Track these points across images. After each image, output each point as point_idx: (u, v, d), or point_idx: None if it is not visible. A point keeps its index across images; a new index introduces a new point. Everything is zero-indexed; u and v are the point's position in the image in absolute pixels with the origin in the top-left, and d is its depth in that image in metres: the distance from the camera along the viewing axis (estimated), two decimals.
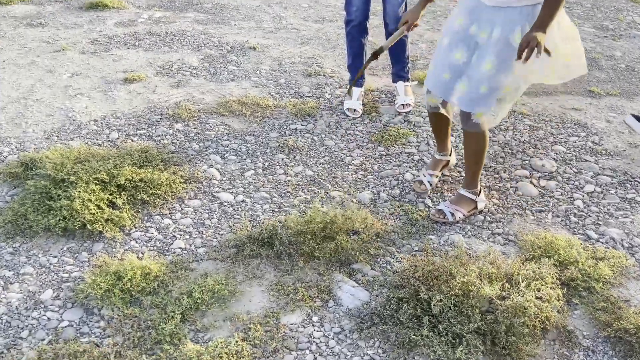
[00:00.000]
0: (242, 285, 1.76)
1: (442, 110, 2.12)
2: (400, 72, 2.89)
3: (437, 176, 2.28)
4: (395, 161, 2.44)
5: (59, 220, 1.88)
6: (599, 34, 4.01)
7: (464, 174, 2.19)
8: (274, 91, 3.00)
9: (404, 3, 2.68)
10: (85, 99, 2.80)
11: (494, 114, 1.95)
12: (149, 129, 2.57)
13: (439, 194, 2.24)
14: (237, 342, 1.54)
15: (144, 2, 4.19)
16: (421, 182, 2.25)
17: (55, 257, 1.84)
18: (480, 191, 2.13)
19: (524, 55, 1.69)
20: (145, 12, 4.00)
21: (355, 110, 2.81)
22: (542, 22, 1.73)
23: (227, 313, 1.66)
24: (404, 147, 2.55)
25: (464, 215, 2.07)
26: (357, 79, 2.65)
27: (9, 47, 3.32)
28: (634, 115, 2.75)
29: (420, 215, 2.10)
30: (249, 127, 2.65)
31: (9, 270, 1.78)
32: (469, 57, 1.90)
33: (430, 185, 2.25)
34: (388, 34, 2.77)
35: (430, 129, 2.40)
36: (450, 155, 2.33)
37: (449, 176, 2.34)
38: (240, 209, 2.10)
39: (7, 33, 3.51)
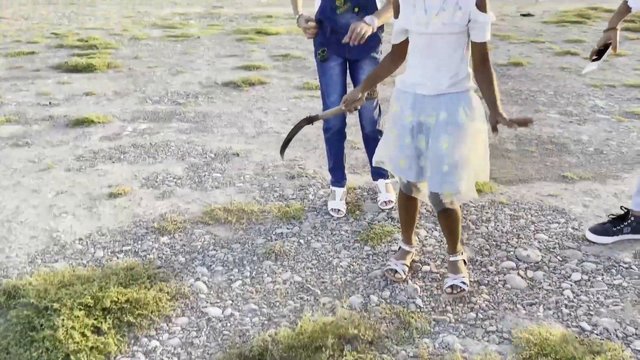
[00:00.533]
0: None
1: (414, 191, 2.23)
2: (379, 170, 2.98)
3: (407, 265, 2.33)
4: (383, 260, 2.45)
5: (42, 352, 1.82)
6: (564, 119, 4.22)
7: (446, 245, 2.29)
8: (259, 195, 3.05)
9: (378, 106, 2.82)
10: (70, 217, 2.81)
11: (461, 191, 2.02)
12: (135, 244, 2.57)
13: (428, 292, 2.24)
14: None
15: (129, 115, 4.34)
16: (395, 271, 2.30)
17: None
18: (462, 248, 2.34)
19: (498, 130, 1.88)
20: (130, 125, 4.13)
21: (339, 210, 2.85)
22: (495, 103, 1.91)
23: None
24: (390, 245, 2.57)
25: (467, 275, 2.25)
26: (286, 144, 2.58)
27: None
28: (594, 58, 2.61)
29: (412, 317, 2.08)
30: (234, 235, 2.66)
31: None
32: (426, 141, 2.02)
33: (404, 272, 2.31)
34: (365, 137, 2.89)
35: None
36: (414, 248, 2.43)
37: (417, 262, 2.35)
38: (229, 324, 2.06)
39: None
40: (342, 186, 2.96)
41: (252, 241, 2.61)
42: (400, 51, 2.09)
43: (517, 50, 6.63)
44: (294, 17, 2.81)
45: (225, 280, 2.33)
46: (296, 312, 2.12)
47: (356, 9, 2.49)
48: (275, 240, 2.62)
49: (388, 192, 2.96)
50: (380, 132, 2.77)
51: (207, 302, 2.19)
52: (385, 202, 2.92)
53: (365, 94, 2.26)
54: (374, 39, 2.57)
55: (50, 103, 4.58)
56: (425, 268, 2.40)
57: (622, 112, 4.35)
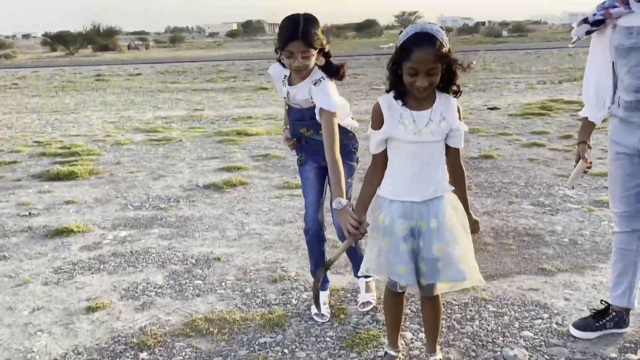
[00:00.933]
0: None
1: (398, 288, 2.24)
2: (357, 274, 2.98)
3: None
4: None
5: None
6: (537, 210, 4.36)
7: (426, 345, 2.32)
8: (241, 302, 3.01)
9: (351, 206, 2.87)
10: (46, 335, 2.71)
11: (464, 279, 2.13)
12: None
13: None
14: None
15: (110, 223, 4.34)
16: None
17: None
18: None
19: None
20: (110, 233, 4.12)
21: (323, 315, 2.82)
22: (467, 204, 2.15)
23: None
24: (377, 350, 2.52)
25: None
26: (317, 289, 2.49)
27: None
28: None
29: None
30: (216, 347, 2.59)
31: None
32: (417, 244, 2.08)
33: None
34: (340, 237, 2.91)
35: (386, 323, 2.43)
36: (400, 352, 2.40)
37: None
38: None
39: None
40: (325, 289, 2.95)
41: (234, 353, 2.54)
42: (382, 159, 2.13)
43: (487, 143, 6.94)
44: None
45: None
46: None
47: (320, 132, 2.51)
48: (259, 351, 2.55)
49: (367, 292, 2.95)
50: None
51: None
52: (363, 303, 2.90)
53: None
54: (346, 148, 2.67)
55: (29, 214, 4.57)
56: None
57: (592, 201, 4.51)
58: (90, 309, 2.94)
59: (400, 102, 2.03)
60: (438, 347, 2.34)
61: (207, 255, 3.66)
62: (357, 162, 2.81)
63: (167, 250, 3.75)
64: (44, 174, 5.78)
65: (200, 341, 2.65)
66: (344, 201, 2.25)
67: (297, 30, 2.33)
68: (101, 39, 42.94)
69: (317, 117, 2.49)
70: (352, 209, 2.74)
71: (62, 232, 4.07)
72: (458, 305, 2.92)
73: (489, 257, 3.53)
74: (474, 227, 2.19)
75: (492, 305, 2.89)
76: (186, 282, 3.27)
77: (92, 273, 3.42)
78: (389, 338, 2.38)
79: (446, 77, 1.99)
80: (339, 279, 3.27)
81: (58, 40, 42.21)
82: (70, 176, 5.64)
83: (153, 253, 3.71)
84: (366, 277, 2.98)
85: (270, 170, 5.88)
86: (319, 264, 2.91)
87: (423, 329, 2.49)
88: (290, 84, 2.60)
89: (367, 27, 66.64)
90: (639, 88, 2.27)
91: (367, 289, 2.96)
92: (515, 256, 3.54)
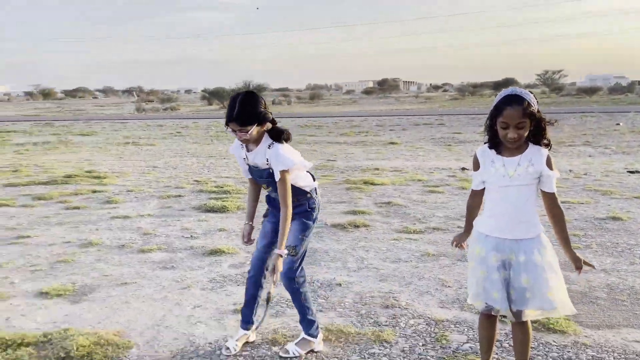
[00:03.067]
0: None
1: (493, 312, 2.54)
2: (306, 331, 3.07)
3: None
4: None
5: None
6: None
7: None
8: (356, 320, 3.51)
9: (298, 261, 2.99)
10: (203, 325, 3.45)
11: (554, 307, 2.44)
12: (252, 351, 3.10)
13: None
14: None
15: (253, 247, 5.13)
16: None
17: None
18: None
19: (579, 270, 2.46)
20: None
21: (228, 348, 3.02)
22: (568, 242, 2.45)
23: None
24: None
25: None
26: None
27: (148, 285, 4.20)
28: None
29: None
30: (333, 351, 3.11)
31: None
32: (508, 274, 2.43)
33: None
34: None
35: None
36: None
37: None
38: None
39: (146, 274, 4.46)
40: (246, 329, 3.11)
41: (347, 357, 3.04)
42: (480, 195, 2.60)
43: (619, 205, 6.74)
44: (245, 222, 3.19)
45: None
46: None
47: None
48: (368, 358, 3.02)
49: (298, 345, 3.03)
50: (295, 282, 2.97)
51: None
52: (286, 349, 3.02)
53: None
54: (303, 207, 2.94)
55: (191, 236, 5.58)
56: None
57: None
58: (236, 311, 3.64)
59: (494, 151, 2.47)
60: None
61: (330, 280, 4.24)
62: (313, 222, 2.99)
63: None
64: (202, 207, 6.90)
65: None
66: (283, 252, 2.77)
67: (232, 113, 2.68)
68: None
69: (276, 177, 2.78)
70: (295, 259, 2.94)
71: (216, 252, 4.94)
72: (557, 346, 3.11)
73: (598, 310, 3.63)
74: (577, 264, 2.46)
75: (591, 350, 3.04)
76: (312, 299, 3.86)
77: (238, 285, 4.16)
78: (482, 358, 2.70)
79: (536, 132, 2.40)
80: (445, 312, 3.62)
81: (214, 95, 47.63)
82: (222, 209, 6.67)
83: None
84: (311, 336, 3.04)
85: (392, 216, 6.38)
86: (250, 305, 3.11)
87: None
88: (248, 150, 2.91)
89: (504, 86, 65.25)
90: None
91: (300, 343, 3.04)
92: (626, 312, 3.59)
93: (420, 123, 22.27)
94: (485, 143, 2.53)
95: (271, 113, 2.80)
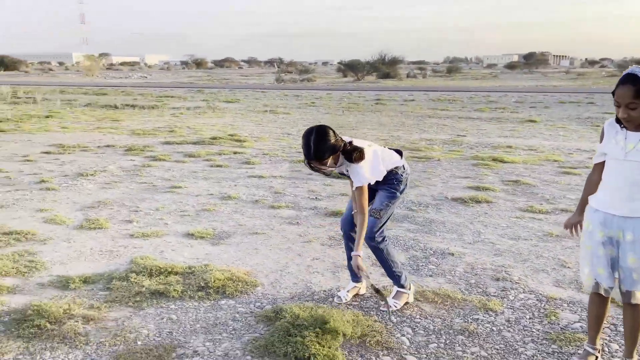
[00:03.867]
0: None
1: (602, 291, 2.50)
2: (395, 283, 3.36)
3: None
4: (566, 358, 2.73)
5: (292, 350, 2.70)
6: None
7: (624, 349, 2.58)
8: (464, 288, 3.61)
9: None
10: (320, 275, 3.80)
11: None
12: (362, 302, 3.38)
13: None
14: None
15: None
16: None
17: None
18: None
19: None
20: None
21: (340, 297, 3.38)
22: None
23: None
24: (577, 348, 2.82)
25: None
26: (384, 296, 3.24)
27: (275, 237, 4.68)
28: None
29: None
30: (437, 312, 3.26)
31: None
32: (616, 252, 2.39)
33: None
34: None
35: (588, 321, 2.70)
36: (599, 352, 2.63)
37: None
38: None
39: (274, 227, 4.95)
40: (356, 282, 3.45)
41: (450, 319, 3.17)
42: (598, 169, 2.53)
43: None
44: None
45: (424, 341, 2.93)
46: None
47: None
48: (472, 322, 3.13)
49: (394, 298, 3.32)
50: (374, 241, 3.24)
51: (408, 352, 2.82)
52: (384, 304, 3.27)
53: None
54: (390, 181, 3.23)
55: (316, 198, 5.99)
56: None
57: None
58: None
59: (620, 125, 2.39)
60: (636, 354, 2.54)
61: (444, 250, 4.34)
62: (400, 192, 3.27)
63: (411, 240, 4.57)
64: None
65: (426, 306, 3.35)
66: (359, 253, 3.11)
67: (310, 153, 2.95)
68: (385, 68, 47.38)
69: (353, 187, 3.12)
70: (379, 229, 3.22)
71: (337, 214, 5.28)
72: None
73: None
74: None
75: None
76: (423, 265, 4.02)
77: None
78: (589, 335, 2.67)
79: None
80: (559, 291, 3.56)
81: (349, 68, 48.28)
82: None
83: (401, 240, 4.58)
84: (402, 287, 3.32)
85: (518, 195, 6.20)
86: (349, 257, 3.37)
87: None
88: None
89: None
90: None
91: (396, 296, 3.32)
92: None
93: (567, 101, 20.57)
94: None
95: (342, 139, 3.03)
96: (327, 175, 3.24)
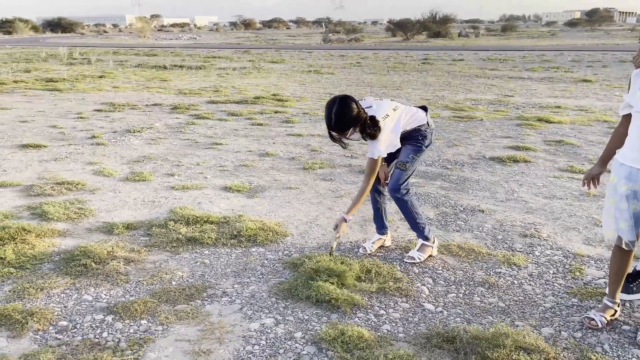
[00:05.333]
0: None
1: (624, 245, 2.49)
2: (419, 236, 3.41)
3: (605, 318, 2.55)
4: (585, 311, 2.75)
5: (314, 293, 2.84)
6: None
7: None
8: (490, 243, 3.63)
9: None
10: (347, 228, 3.92)
11: None
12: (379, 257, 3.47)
13: (618, 343, 2.47)
14: None
15: None
16: (592, 319, 2.57)
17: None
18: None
19: None
20: None
21: (365, 247, 3.49)
22: None
23: None
24: (598, 302, 2.82)
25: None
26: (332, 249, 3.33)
27: (308, 192, 4.80)
28: None
29: (594, 356, 2.38)
30: (461, 264, 3.32)
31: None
32: (638, 205, 2.36)
33: (602, 324, 2.57)
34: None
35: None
36: (619, 306, 2.62)
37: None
38: (437, 316, 2.74)
39: (308, 183, 5.07)
40: (381, 234, 3.55)
41: (472, 271, 3.23)
42: (625, 122, 2.48)
43: None
44: None
45: (444, 290, 3.01)
46: (492, 324, 2.65)
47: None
48: (494, 276, 3.17)
49: (418, 251, 3.38)
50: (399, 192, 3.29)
51: (427, 300, 2.91)
52: (409, 256, 3.37)
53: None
54: (414, 138, 3.26)
55: (351, 156, 6.05)
56: (625, 327, 2.61)
57: None
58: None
59: None
60: None
61: (474, 207, 4.35)
62: (425, 147, 3.28)
63: (442, 197, 4.59)
64: None
65: (449, 258, 3.41)
66: (348, 217, 3.22)
67: (331, 124, 2.99)
68: (435, 27, 45.83)
69: (367, 156, 3.20)
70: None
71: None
72: None
73: None
74: None
75: None
76: (451, 221, 4.05)
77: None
78: (609, 289, 2.67)
79: None
80: (588, 249, 3.53)
81: (399, 27, 47.01)
82: None
83: (432, 197, 4.60)
84: (426, 239, 3.36)
85: (559, 155, 6.04)
86: (376, 213, 3.52)
87: None
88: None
89: None
90: None
91: (420, 249, 3.37)
92: None
93: (628, 60, 19.39)
94: None
95: (364, 111, 3.01)
96: (344, 147, 3.26)
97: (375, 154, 3.13)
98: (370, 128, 3.03)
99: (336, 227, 3.26)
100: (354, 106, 2.98)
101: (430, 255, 3.40)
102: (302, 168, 5.57)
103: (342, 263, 3.15)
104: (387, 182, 3.42)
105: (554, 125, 7.81)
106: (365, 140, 3.14)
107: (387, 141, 3.12)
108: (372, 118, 3.04)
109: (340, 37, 44.62)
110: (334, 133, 3.06)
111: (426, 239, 3.40)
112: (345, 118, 2.95)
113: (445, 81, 14.15)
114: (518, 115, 8.62)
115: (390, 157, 3.37)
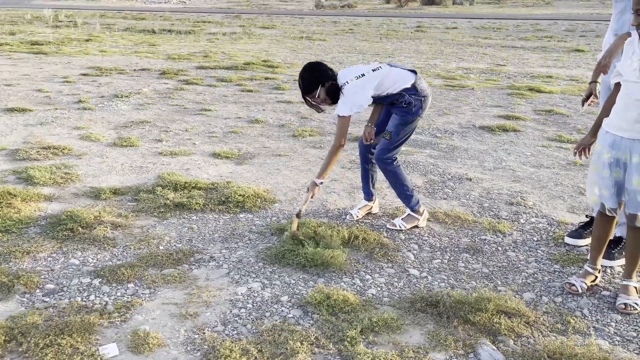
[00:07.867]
0: (408, 326, 2.40)
1: (607, 212, 2.53)
2: (407, 205, 3.40)
3: (586, 284, 2.61)
4: (566, 277, 2.81)
5: (302, 260, 2.87)
6: None
7: (624, 270, 2.63)
8: (476, 210, 3.67)
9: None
10: (335, 195, 3.92)
11: None
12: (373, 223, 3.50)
13: (597, 308, 2.53)
14: (391, 357, 2.17)
15: None
16: (572, 284, 2.62)
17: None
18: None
19: None
20: None
21: (351, 214, 3.53)
22: None
23: (391, 338, 2.31)
24: (579, 269, 2.88)
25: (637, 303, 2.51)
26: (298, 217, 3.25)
27: (297, 159, 4.79)
28: None
29: (574, 320, 2.44)
30: (446, 231, 3.35)
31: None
32: (622, 174, 2.39)
33: (582, 289, 2.62)
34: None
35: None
36: (599, 272, 2.68)
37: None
38: (421, 281, 2.78)
39: (297, 150, 5.05)
40: (368, 200, 3.58)
41: (458, 238, 3.26)
42: (616, 91, 2.48)
43: None
44: None
45: (429, 256, 3.05)
46: (475, 289, 2.70)
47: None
48: (479, 242, 3.21)
49: (402, 220, 3.38)
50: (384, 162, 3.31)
51: (412, 266, 2.95)
52: (393, 222, 3.40)
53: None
54: (399, 104, 3.23)
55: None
56: (605, 293, 2.67)
57: None
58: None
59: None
60: (635, 276, 2.58)
61: (462, 175, 4.37)
62: (412, 115, 3.23)
63: (431, 166, 4.60)
64: None
65: (436, 225, 3.45)
66: (318, 181, 3.22)
67: (300, 87, 3.25)
68: None
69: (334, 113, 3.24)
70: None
71: (358, 139, 5.31)
72: None
73: None
74: None
75: None
76: (438, 188, 4.08)
77: None
78: (590, 255, 2.72)
79: None
80: (573, 217, 3.57)
81: None
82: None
83: (420, 165, 4.61)
84: (413, 210, 3.35)
85: (548, 124, 6.05)
86: (364, 179, 3.55)
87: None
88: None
89: None
90: None
91: (406, 219, 3.38)
92: None
93: None
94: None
95: (331, 77, 3.18)
96: (319, 112, 3.46)
97: (340, 112, 3.20)
98: (331, 92, 3.21)
99: (307, 191, 3.28)
100: (321, 69, 3.23)
101: (415, 226, 3.41)
102: (292, 135, 5.54)
103: (329, 228, 3.17)
104: (370, 141, 3.40)
105: (545, 94, 7.80)
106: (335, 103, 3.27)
107: (350, 102, 3.18)
108: (334, 83, 3.20)
109: (332, 3, 43.79)
110: (306, 98, 3.26)
111: (413, 210, 3.40)
112: (306, 81, 3.21)
113: (438, 49, 14.00)
114: (509, 85, 8.59)
115: (382, 125, 3.36)
